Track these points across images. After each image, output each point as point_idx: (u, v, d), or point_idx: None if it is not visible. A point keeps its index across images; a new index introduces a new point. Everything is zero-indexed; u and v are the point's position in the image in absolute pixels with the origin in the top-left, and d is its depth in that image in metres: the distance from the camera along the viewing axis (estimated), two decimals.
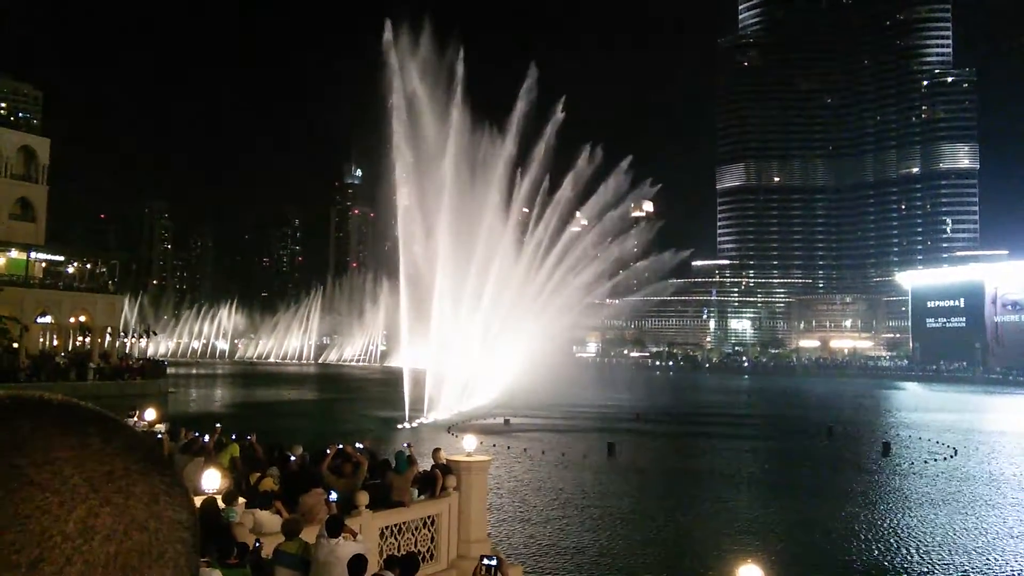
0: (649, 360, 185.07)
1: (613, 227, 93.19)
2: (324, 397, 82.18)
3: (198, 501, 12.29)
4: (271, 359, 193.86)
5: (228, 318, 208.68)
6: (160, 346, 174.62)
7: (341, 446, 18.27)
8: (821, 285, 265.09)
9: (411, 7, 68.05)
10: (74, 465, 0.87)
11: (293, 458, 17.79)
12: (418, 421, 53.87)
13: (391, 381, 62.15)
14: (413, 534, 15.77)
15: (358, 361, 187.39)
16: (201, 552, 6.95)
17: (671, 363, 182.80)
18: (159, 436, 20.07)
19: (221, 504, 12.50)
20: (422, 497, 16.51)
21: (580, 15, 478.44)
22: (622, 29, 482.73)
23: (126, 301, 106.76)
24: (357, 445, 19.87)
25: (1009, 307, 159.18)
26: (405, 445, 19.72)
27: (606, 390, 78.76)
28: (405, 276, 67.13)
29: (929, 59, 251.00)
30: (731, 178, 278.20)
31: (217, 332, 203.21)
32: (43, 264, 78.63)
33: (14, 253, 75.18)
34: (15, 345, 67.85)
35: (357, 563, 10.53)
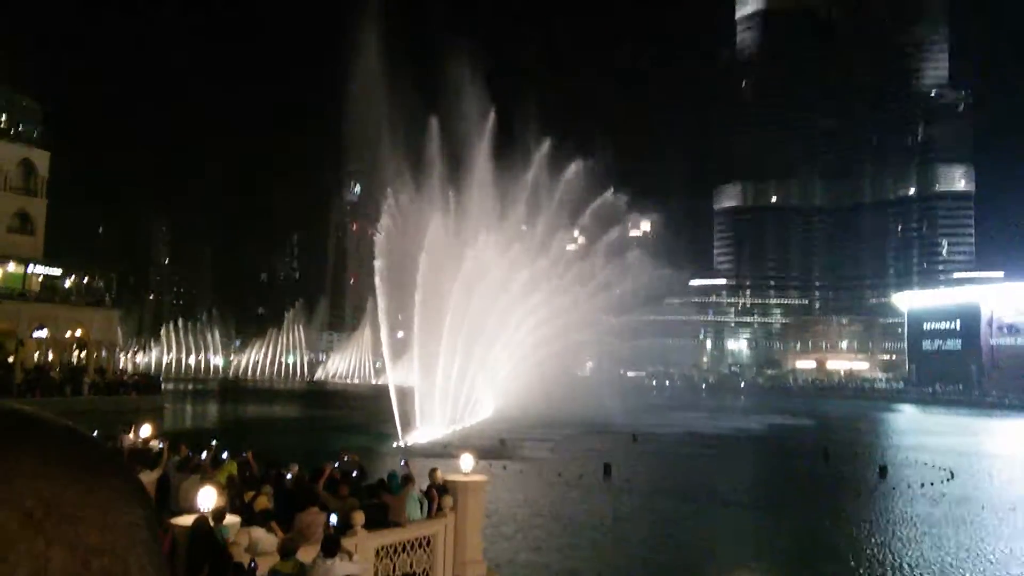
0: (646, 379, 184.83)
1: (609, 247, 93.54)
2: (318, 414, 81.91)
3: (191, 520, 12.27)
4: (266, 375, 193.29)
5: (224, 334, 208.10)
6: (155, 361, 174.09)
7: (337, 464, 18.27)
8: (818, 306, 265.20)
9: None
10: (8, 507, 0.76)
11: (289, 476, 17.77)
12: (413, 440, 53.72)
13: (386, 399, 61.99)
14: (409, 555, 15.72)
15: (353, 379, 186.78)
16: (196, 571, 6.97)
17: (667, 383, 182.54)
18: (159, 449, 19.99)
19: (212, 523, 12.47)
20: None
21: (575, 33, 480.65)
22: (618, 48, 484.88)
23: (122, 316, 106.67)
24: (344, 458, 19.87)
25: (1005, 330, 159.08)
26: (402, 463, 19.67)
27: (602, 410, 78.57)
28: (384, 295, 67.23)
29: (925, 81, 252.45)
30: (727, 198, 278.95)
31: (213, 348, 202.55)
32: (40, 278, 78.62)
33: (12, 267, 75.19)
34: (11, 359, 67.79)
35: None
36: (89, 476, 0.84)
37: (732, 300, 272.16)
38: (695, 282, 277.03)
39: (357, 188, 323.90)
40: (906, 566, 25.30)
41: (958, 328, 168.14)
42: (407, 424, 56.43)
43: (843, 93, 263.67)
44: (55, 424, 0.86)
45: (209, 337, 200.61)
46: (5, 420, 0.82)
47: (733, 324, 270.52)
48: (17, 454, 0.79)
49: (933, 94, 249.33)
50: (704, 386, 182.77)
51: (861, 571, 24.54)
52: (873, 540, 29.11)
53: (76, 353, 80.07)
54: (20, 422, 0.83)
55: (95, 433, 27.24)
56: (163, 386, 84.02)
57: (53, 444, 0.83)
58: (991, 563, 25.84)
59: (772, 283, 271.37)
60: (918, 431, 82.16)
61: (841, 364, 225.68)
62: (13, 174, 77.17)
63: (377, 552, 14.95)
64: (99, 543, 0.81)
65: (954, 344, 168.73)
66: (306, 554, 11.92)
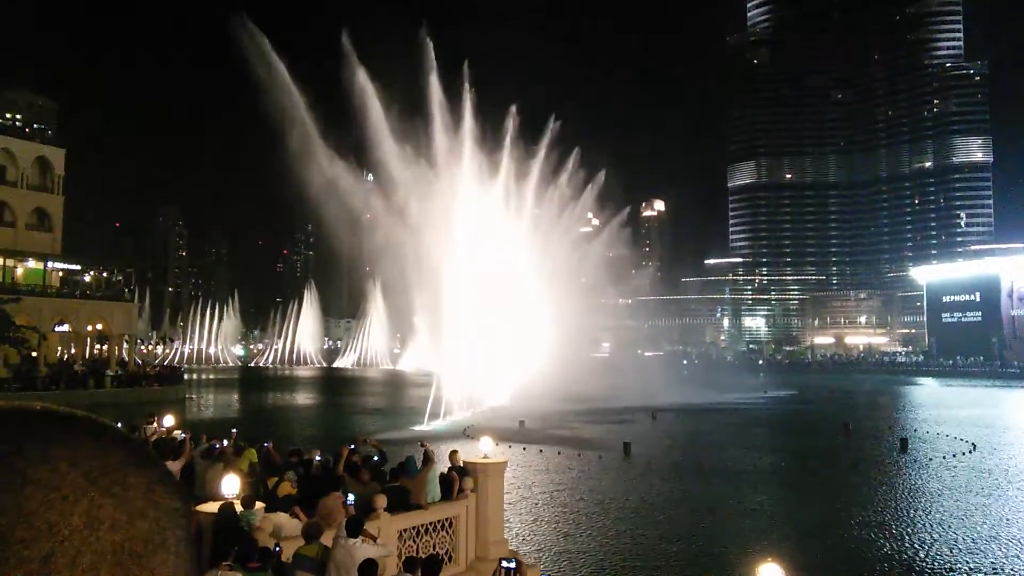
0: (664, 359, 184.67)
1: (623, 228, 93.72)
2: (339, 401, 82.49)
3: (216, 506, 12.47)
4: (285, 363, 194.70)
5: (243, 323, 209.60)
6: (176, 352, 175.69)
7: (354, 446, 18.46)
8: (835, 281, 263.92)
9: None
10: (70, 462, 0.90)
11: (317, 458, 18.04)
12: (433, 423, 54.04)
13: (405, 384, 62.44)
14: (431, 536, 15.89)
15: (371, 365, 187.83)
16: (222, 556, 7.17)
17: (685, 362, 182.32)
18: (180, 440, 20.27)
19: (239, 508, 12.64)
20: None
21: (588, 13, 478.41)
22: (631, 28, 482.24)
23: (143, 309, 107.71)
24: (363, 442, 20.06)
25: None
26: (419, 444, 19.86)
27: (621, 389, 78.68)
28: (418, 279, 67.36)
29: (940, 52, 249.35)
30: (742, 176, 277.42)
31: (232, 337, 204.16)
32: (60, 273, 79.42)
33: (31, 263, 75.99)
34: (34, 354, 68.57)
35: (367, 568, 10.62)
36: (139, 461, 0.97)
37: (749, 278, 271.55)
38: (711, 261, 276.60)
39: (370, 176, 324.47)
40: (927, 539, 25.31)
41: (978, 300, 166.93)
42: (426, 408, 56.77)
43: (857, 67, 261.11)
44: (104, 421, 1.00)
45: (228, 327, 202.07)
46: (64, 415, 0.97)
47: (750, 302, 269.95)
48: (79, 437, 0.94)
49: (948, 65, 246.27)
50: (722, 364, 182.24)
51: (880, 545, 24.57)
52: (893, 514, 29.11)
53: (98, 346, 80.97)
54: (76, 417, 0.98)
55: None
56: (185, 376, 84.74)
57: (106, 433, 0.97)
58: (1011, 531, 25.79)
59: (789, 260, 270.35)
60: (939, 404, 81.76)
61: (860, 339, 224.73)
62: (30, 171, 77.80)
63: (400, 534, 15.13)
64: (144, 509, 0.93)
65: (974, 316, 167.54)
66: (329, 538, 12.08)
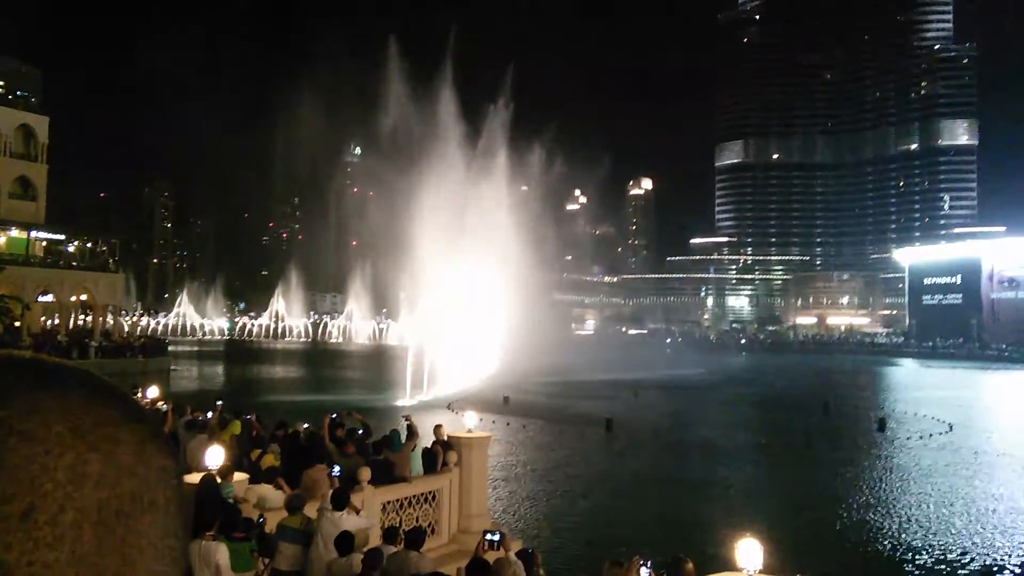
0: (647, 337, 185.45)
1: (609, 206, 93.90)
2: (324, 375, 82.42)
3: (198, 477, 12.61)
4: (271, 337, 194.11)
5: (228, 296, 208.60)
6: (161, 324, 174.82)
7: (336, 415, 18.61)
8: (819, 262, 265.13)
9: None
10: (59, 414, 0.86)
11: (305, 426, 18.23)
12: (418, 398, 54.25)
13: (390, 359, 62.47)
14: (415, 509, 16.11)
15: (356, 339, 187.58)
16: (207, 526, 7.35)
17: (668, 340, 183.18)
18: (163, 411, 20.34)
19: (218, 480, 12.77)
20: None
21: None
22: (621, 4, 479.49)
23: (128, 280, 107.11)
24: (347, 415, 20.23)
25: (1005, 284, 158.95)
26: (403, 418, 20.04)
27: (603, 366, 79.11)
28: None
29: (929, 35, 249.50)
30: (730, 155, 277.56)
31: (217, 310, 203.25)
32: (44, 243, 78.73)
33: (14, 232, 75.31)
34: (17, 324, 68.13)
35: (342, 540, 10.79)
36: (131, 416, 0.94)
37: (733, 257, 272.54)
38: (696, 240, 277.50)
39: (357, 150, 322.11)
40: (903, 516, 25.80)
41: (959, 282, 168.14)
42: (411, 382, 56.95)
43: (845, 48, 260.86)
44: (95, 374, 0.97)
45: (213, 300, 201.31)
46: (54, 366, 0.94)
47: (735, 281, 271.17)
48: (68, 389, 0.90)
49: (937, 47, 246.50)
50: (705, 343, 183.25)
51: (857, 521, 25.03)
52: (871, 492, 29.62)
53: (82, 317, 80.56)
54: (67, 368, 0.95)
55: None
56: (169, 348, 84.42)
57: (101, 387, 0.95)
58: (985, 508, 26.31)
59: (773, 240, 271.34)
60: (918, 385, 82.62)
61: (842, 319, 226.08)
62: (13, 140, 76.87)
63: (384, 507, 15.33)
64: (133, 466, 0.89)
65: (955, 298, 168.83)
66: (312, 510, 12.26)
